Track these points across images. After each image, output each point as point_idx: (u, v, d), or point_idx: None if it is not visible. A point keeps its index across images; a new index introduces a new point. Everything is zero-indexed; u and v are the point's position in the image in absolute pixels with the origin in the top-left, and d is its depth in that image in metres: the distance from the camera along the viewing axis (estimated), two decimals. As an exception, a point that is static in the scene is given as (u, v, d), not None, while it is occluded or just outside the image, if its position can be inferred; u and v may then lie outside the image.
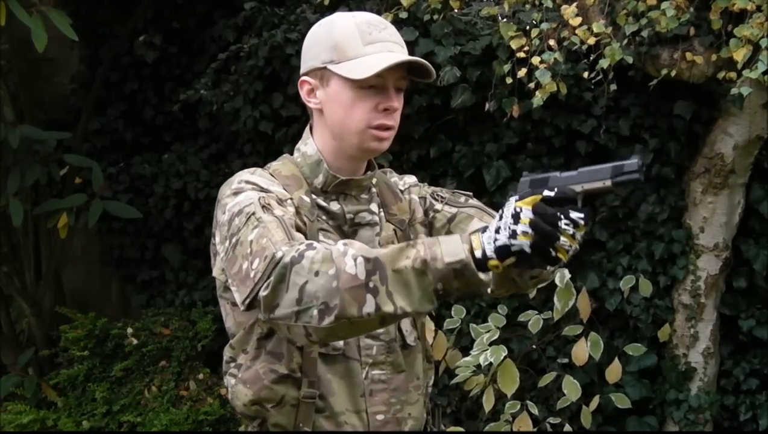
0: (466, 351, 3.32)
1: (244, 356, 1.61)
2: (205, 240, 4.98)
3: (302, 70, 1.63)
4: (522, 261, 1.32)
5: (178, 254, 5.09)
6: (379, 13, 3.89)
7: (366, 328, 1.40)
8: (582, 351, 3.28)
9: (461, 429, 3.51)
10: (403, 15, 3.77)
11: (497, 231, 1.31)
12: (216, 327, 4.64)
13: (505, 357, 3.02)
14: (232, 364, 1.64)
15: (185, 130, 5.11)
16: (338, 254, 1.34)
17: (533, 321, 3.33)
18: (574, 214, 1.29)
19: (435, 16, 3.86)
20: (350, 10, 4.32)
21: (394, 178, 1.78)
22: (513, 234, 1.29)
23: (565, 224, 1.29)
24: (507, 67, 3.56)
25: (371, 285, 1.31)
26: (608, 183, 1.33)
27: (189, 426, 4.29)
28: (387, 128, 1.58)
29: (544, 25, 3.46)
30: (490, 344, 3.07)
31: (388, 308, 1.31)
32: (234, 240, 1.48)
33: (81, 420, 4.46)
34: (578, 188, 1.33)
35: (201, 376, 4.53)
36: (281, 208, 1.52)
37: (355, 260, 1.33)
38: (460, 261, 1.31)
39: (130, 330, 4.58)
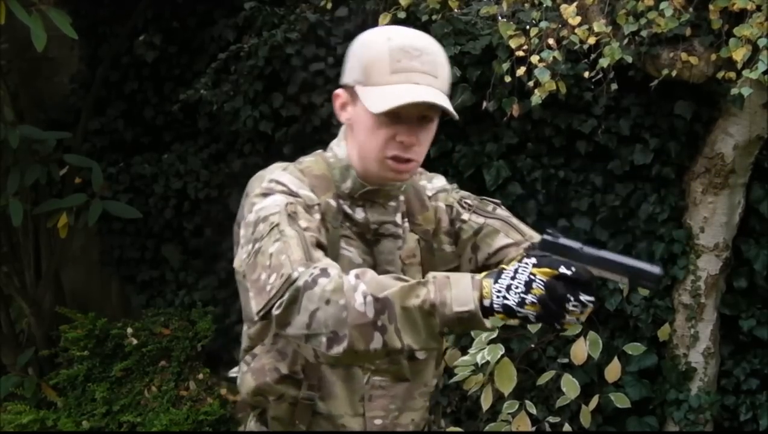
0: (465, 350, 3.32)
1: (260, 347, 1.63)
2: (206, 240, 4.98)
3: (341, 80, 1.61)
4: (526, 322, 1.35)
5: (178, 254, 5.09)
6: (378, 13, 3.89)
7: (373, 359, 1.45)
8: (581, 351, 3.28)
9: (461, 430, 3.51)
10: (402, 15, 3.76)
11: (508, 289, 1.32)
12: (216, 327, 4.64)
13: (502, 356, 3.02)
14: (249, 352, 1.66)
15: (185, 130, 5.11)
16: (349, 287, 1.36)
17: (533, 320, 3.32)
18: (584, 297, 1.32)
19: (434, 16, 3.86)
20: (350, 10, 4.36)
21: (423, 180, 1.74)
22: (521, 303, 1.31)
23: (573, 306, 1.32)
24: (506, 66, 3.56)
25: (379, 323, 1.33)
26: (624, 280, 1.37)
27: (189, 426, 4.29)
28: (405, 160, 1.55)
29: (543, 24, 3.46)
30: (489, 343, 3.07)
31: (395, 345, 1.34)
32: (257, 246, 1.48)
33: (81, 420, 4.46)
34: (594, 271, 1.35)
35: (201, 376, 4.53)
36: (307, 216, 1.51)
37: (364, 298, 1.34)
38: (469, 311, 1.32)
39: (130, 330, 4.58)
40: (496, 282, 1.33)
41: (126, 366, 4.54)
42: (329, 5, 4.04)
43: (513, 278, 1.32)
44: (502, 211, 1.73)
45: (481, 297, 1.33)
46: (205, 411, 4.33)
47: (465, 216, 1.72)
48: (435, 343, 1.37)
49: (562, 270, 1.31)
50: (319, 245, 1.49)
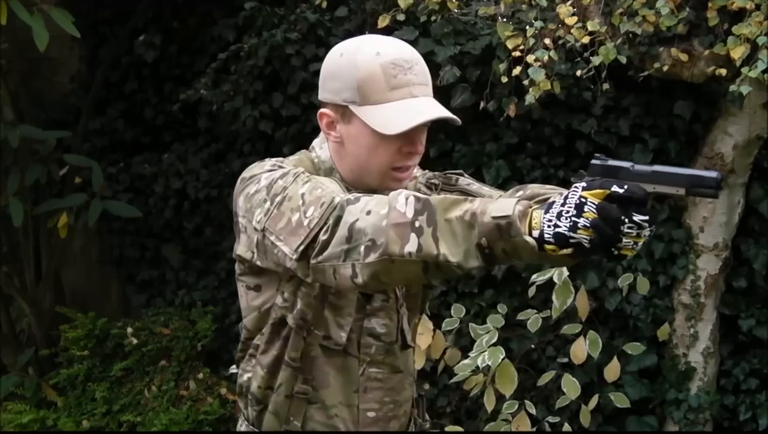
0: (466, 351, 3.32)
1: (260, 337, 1.64)
2: (205, 240, 4.98)
3: (321, 96, 1.60)
4: (581, 253, 1.27)
5: (178, 254, 5.09)
6: (377, 13, 3.89)
7: (408, 273, 1.34)
8: (580, 350, 3.28)
9: (461, 429, 3.51)
10: (401, 17, 3.77)
11: (558, 216, 1.26)
12: (216, 326, 4.64)
13: (503, 359, 3.02)
14: (251, 344, 1.67)
15: (185, 130, 5.11)
16: (394, 195, 1.34)
17: (532, 320, 3.32)
18: (638, 217, 1.24)
19: (433, 18, 3.87)
20: (350, 10, 4.36)
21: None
22: (574, 227, 1.24)
23: (629, 227, 1.24)
24: (503, 66, 3.57)
25: (417, 224, 1.29)
26: (681, 191, 1.28)
27: (189, 425, 4.30)
28: (409, 167, 1.58)
29: (538, 24, 3.47)
30: (489, 346, 3.07)
31: (431, 250, 1.28)
32: (279, 198, 1.46)
33: (81, 419, 4.47)
34: (649, 188, 1.27)
35: (201, 376, 4.53)
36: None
37: (406, 199, 1.32)
38: (506, 217, 1.26)
39: (130, 330, 4.58)
40: (546, 212, 1.27)
41: (126, 365, 4.55)
42: (324, 4, 4.05)
43: (563, 204, 1.26)
44: (463, 180, 1.74)
45: (530, 226, 1.27)
46: (205, 410, 4.34)
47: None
48: (474, 260, 1.29)
49: (614, 189, 1.24)
50: None
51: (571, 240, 1.25)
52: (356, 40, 1.59)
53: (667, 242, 3.91)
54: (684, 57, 3.46)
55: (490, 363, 3.00)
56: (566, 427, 3.51)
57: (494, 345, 3.07)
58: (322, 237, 1.36)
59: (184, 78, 4.98)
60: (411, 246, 1.29)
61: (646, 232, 1.26)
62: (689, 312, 3.91)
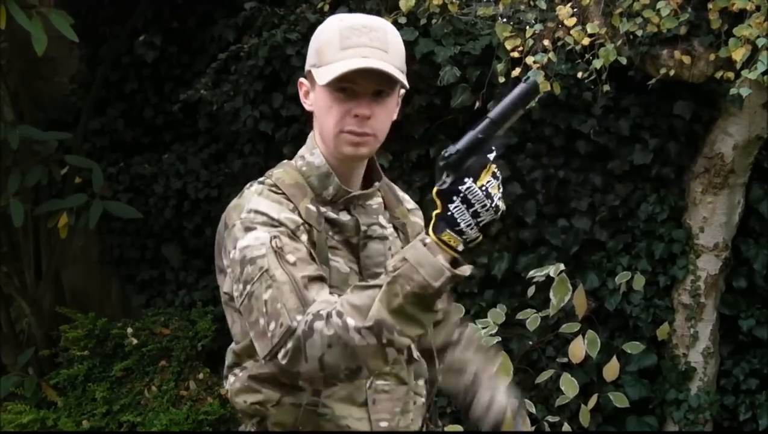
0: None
1: (251, 362, 1.59)
2: (206, 240, 4.98)
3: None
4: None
5: (178, 254, 5.09)
6: (379, 14, 3.89)
7: (394, 362, 1.51)
8: (579, 349, 3.27)
9: (461, 429, 3.51)
10: (402, 20, 3.77)
11: (474, 215, 1.36)
12: (216, 327, 4.64)
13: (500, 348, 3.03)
14: (237, 368, 1.62)
15: (185, 130, 5.11)
16: (342, 331, 1.39)
17: (531, 319, 3.32)
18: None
19: (433, 20, 3.87)
20: (350, 10, 4.36)
21: (397, 191, 1.77)
22: (496, 210, 1.37)
23: (488, 182, 1.37)
24: (501, 67, 3.57)
25: (385, 340, 1.39)
26: (521, 111, 1.40)
27: (189, 426, 4.29)
28: (361, 134, 1.55)
29: (537, 26, 3.47)
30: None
31: (405, 343, 1.41)
32: (249, 289, 1.49)
33: (81, 420, 4.47)
34: (506, 127, 1.39)
35: (201, 376, 4.53)
36: (294, 245, 1.50)
37: (359, 332, 1.38)
38: (449, 277, 1.36)
39: (130, 330, 4.58)
40: (452, 229, 1.36)
41: (126, 365, 4.54)
42: (326, 8, 4.06)
43: (470, 205, 1.36)
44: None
45: (454, 257, 1.37)
46: (205, 410, 4.34)
47: None
48: (432, 315, 1.42)
49: (491, 156, 1.37)
50: (314, 277, 1.49)
51: (497, 216, 1.38)
52: (332, 16, 1.63)
53: (667, 242, 3.91)
54: (687, 59, 3.46)
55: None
56: (566, 427, 3.51)
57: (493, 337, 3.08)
58: (282, 360, 1.42)
59: (184, 78, 4.98)
60: (392, 355, 1.42)
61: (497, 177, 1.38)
62: (689, 312, 3.91)
